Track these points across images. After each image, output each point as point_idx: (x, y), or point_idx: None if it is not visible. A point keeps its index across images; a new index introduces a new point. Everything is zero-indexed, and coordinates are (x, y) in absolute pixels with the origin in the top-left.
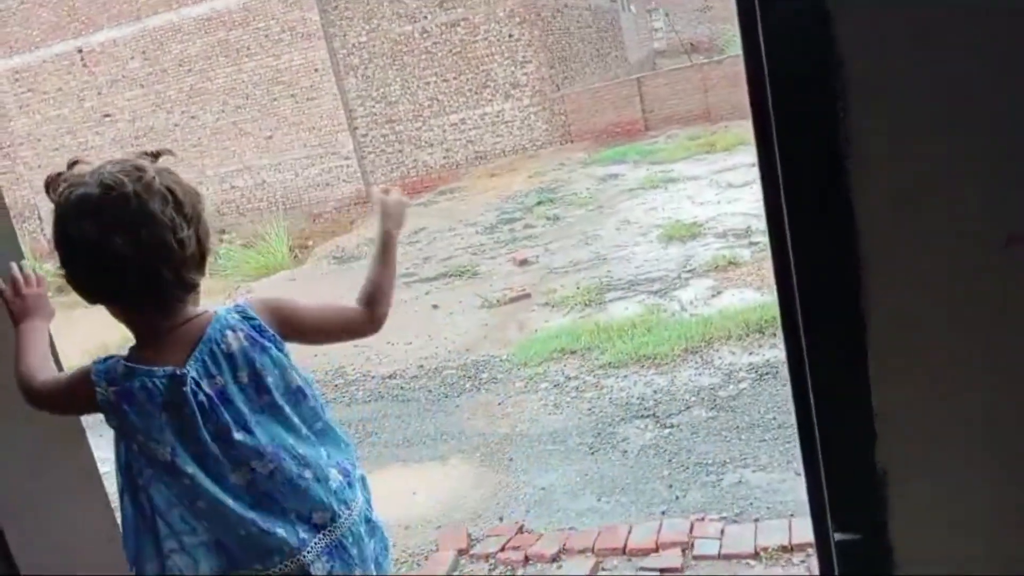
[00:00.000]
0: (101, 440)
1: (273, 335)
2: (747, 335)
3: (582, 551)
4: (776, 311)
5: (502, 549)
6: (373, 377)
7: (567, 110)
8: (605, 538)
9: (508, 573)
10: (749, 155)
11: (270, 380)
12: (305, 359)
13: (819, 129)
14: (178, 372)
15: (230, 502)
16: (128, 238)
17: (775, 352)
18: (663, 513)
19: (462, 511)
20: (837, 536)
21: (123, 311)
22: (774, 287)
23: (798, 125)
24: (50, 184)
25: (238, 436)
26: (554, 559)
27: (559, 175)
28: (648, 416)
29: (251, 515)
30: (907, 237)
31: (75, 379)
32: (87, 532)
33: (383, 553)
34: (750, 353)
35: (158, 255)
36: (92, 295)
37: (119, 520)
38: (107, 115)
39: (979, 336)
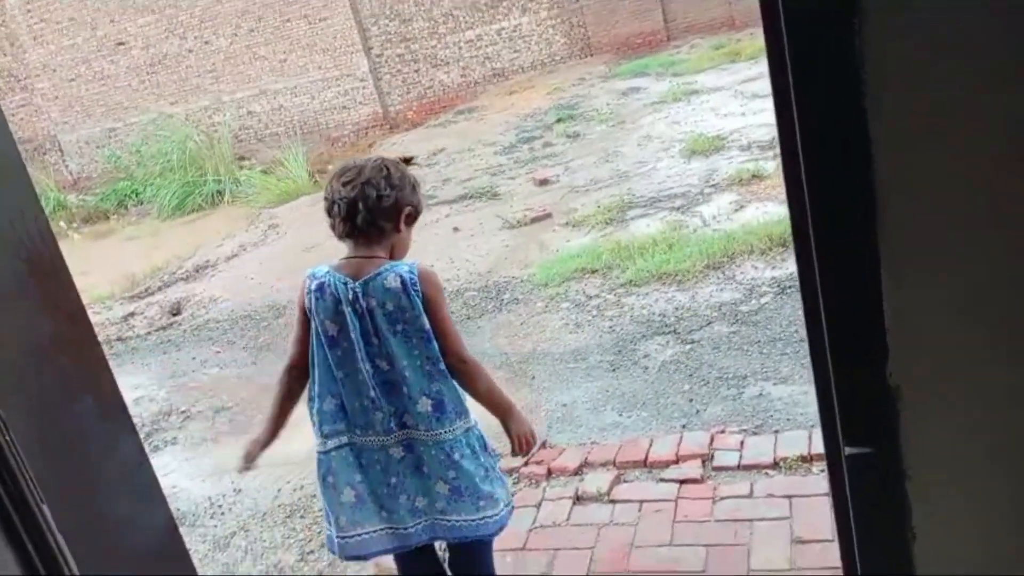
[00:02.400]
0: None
1: (418, 291)
2: (770, 249)
3: (604, 464)
4: None
5: (525, 464)
6: None
7: (586, 22)
8: (626, 451)
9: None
10: None
11: (405, 315)
12: None
13: (834, 43)
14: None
15: (360, 376)
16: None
17: None
18: (684, 427)
19: (486, 428)
20: (848, 450)
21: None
22: (787, 203)
23: (812, 37)
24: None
25: (374, 340)
26: (576, 472)
27: (579, 90)
28: (669, 332)
29: (370, 393)
30: (924, 154)
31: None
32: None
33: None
34: (773, 267)
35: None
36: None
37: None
38: (121, 43)
39: (995, 255)
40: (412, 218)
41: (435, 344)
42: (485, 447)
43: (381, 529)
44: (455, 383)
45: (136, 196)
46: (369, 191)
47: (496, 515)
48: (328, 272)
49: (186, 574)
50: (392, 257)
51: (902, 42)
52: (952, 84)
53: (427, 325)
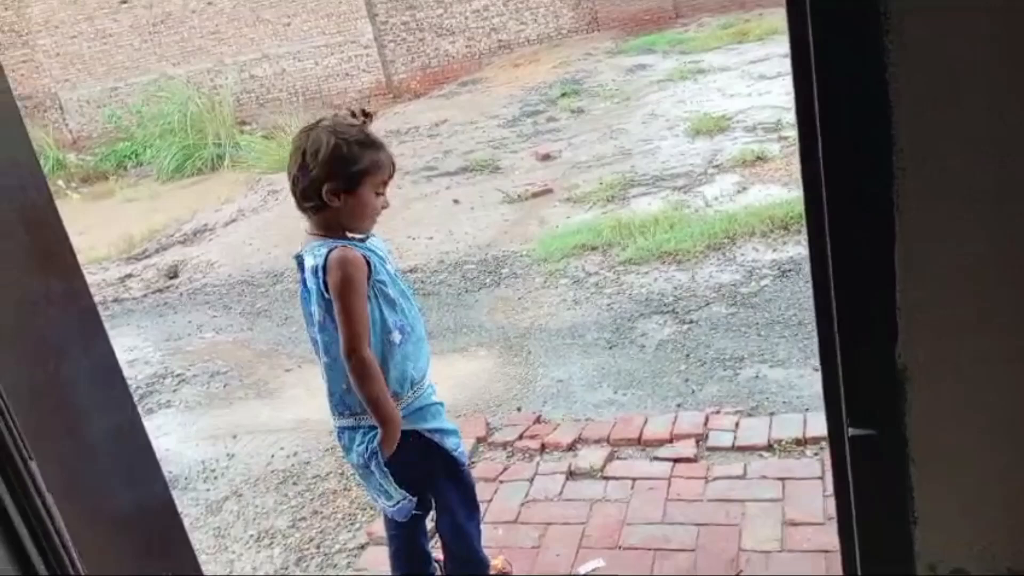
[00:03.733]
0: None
1: (323, 278)
2: (771, 231)
3: (597, 441)
4: (802, 207)
5: (519, 438)
6: None
7: None
8: (620, 428)
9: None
10: (782, 45)
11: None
12: None
13: (858, 14)
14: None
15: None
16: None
17: (799, 249)
18: (679, 406)
19: (481, 401)
20: (851, 431)
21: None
22: (801, 181)
23: (836, 7)
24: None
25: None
26: (570, 448)
27: (585, 65)
28: (667, 312)
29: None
30: (944, 127)
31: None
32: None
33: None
34: (774, 250)
35: None
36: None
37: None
38: (124, 1)
39: (1012, 235)
40: (349, 190)
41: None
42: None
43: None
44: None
45: (136, 157)
46: (293, 167)
47: None
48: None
49: (177, 536)
50: (347, 230)
51: (925, 12)
52: (973, 57)
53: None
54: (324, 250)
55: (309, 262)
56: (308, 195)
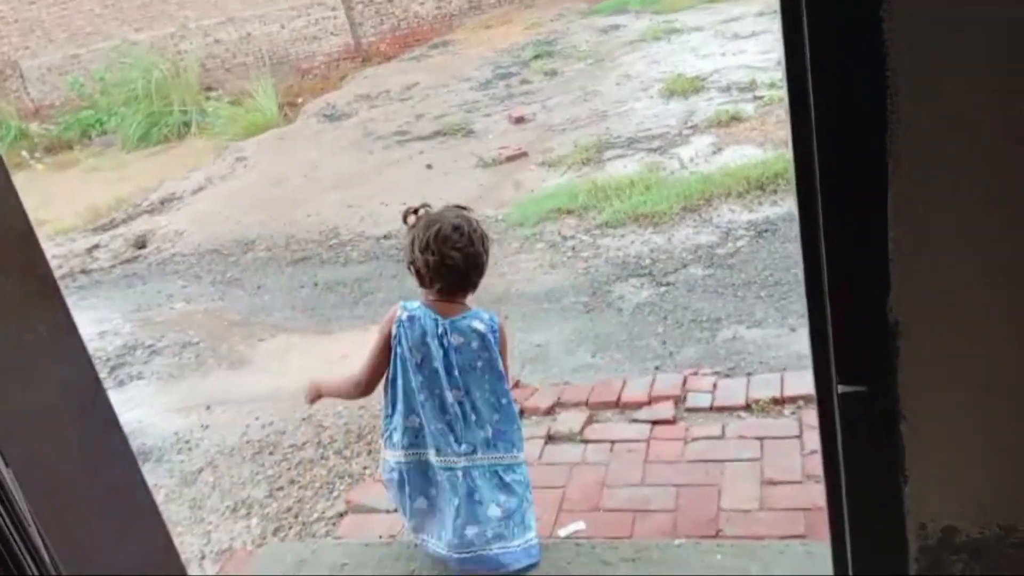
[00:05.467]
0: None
1: (497, 337)
2: (747, 192)
3: (576, 404)
4: (778, 167)
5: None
6: (367, 237)
7: None
8: (599, 392)
9: None
10: (757, 3)
11: (483, 355)
12: (298, 217)
13: None
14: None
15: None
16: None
17: (775, 209)
18: (657, 368)
19: None
20: (841, 388)
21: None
22: (777, 142)
23: None
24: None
25: (455, 372)
26: (549, 412)
27: (557, 26)
28: (644, 275)
29: (447, 417)
30: (943, 67)
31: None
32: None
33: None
34: (750, 211)
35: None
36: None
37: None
38: None
39: (1013, 181)
40: None
41: (504, 382)
42: (528, 486)
43: (439, 540)
44: (515, 415)
45: (100, 126)
46: (480, 260)
47: (535, 542)
48: (419, 307)
49: (147, 505)
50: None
51: None
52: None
53: (500, 365)
54: (484, 315)
55: (476, 325)
56: (482, 276)
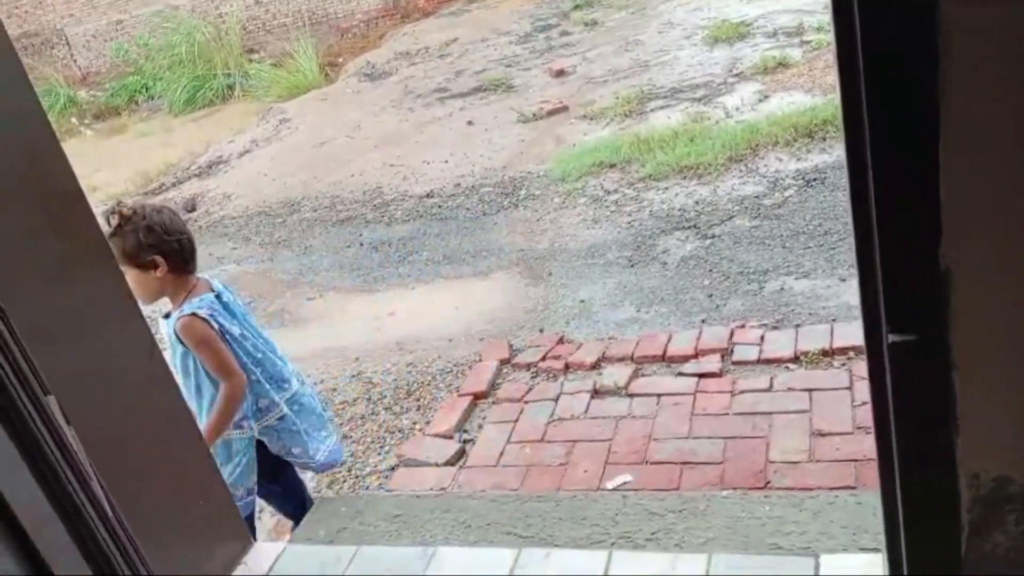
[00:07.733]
0: None
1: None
2: (795, 140)
3: (621, 359)
4: (827, 114)
5: (543, 358)
6: (410, 196)
7: None
8: (644, 346)
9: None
10: None
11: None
12: (342, 178)
13: None
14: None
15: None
16: None
17: (824, 157)
18: (703, 322)
19: (504, 324)
20: (891, 337)
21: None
22: (826, 88)
23: None
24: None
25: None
26: (594, 367)
27: None
28: (689, 227)
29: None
30: (992, 10)
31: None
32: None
33: None
34: (798, 159)
35: None
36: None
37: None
38: None
39: None
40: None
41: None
42: None
43: None
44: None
45: (147, 91)
46: None
47: None
48: (208, 292)
49: (203, 459)
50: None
51: None
52: None
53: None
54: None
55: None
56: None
